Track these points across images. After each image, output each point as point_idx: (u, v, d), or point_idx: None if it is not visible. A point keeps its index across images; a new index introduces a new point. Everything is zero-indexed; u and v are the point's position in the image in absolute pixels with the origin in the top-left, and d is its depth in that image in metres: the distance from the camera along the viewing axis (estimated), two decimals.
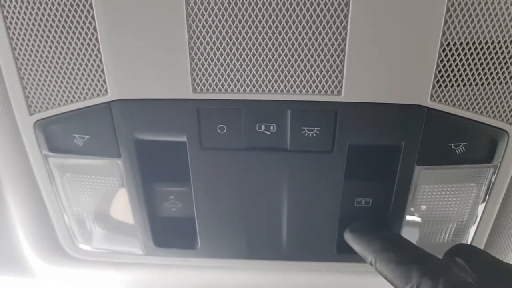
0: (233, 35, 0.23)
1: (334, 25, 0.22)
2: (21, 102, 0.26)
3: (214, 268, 0.33)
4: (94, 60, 0.24)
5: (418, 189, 0.28)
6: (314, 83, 0.24)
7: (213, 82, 0.24)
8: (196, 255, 0.32)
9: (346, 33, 0.23)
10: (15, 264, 0.36)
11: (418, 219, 0.30)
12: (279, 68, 0.24)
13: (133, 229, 0.31)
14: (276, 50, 0.23)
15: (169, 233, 0.31)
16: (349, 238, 0.28)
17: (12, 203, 0.32)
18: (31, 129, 0.27)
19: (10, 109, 0.27)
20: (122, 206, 0.30)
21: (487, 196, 0.28)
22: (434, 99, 0.24)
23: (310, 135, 0.26)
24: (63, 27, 0.23)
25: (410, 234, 0.30)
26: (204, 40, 0.23)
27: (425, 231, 0.30)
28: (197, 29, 0.23)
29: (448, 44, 0.23)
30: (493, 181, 0.28)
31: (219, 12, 0.22)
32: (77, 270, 0.34)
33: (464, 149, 0.26)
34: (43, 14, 0.23)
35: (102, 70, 0.24)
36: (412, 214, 0.29)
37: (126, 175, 0.28)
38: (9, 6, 0.23)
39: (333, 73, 0.24)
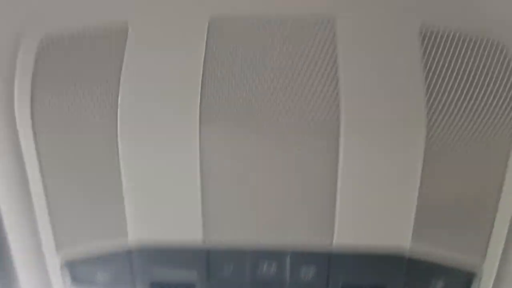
0: (241, 199, 0.27)
1: (325, 185, 0.27)
2: (50, 243, 0.30)
3: None
4: (118, 209, 0.28)
5: None
6: (308, 237, 0.28)
7: (222, 235, 0.28)
8: None
9: (336, 193, 0.27)
10: None
11: None
12: (278, 222, 0.28)
13: None
14: (276, 208, 0.27)
15: None
16: None
17: None
18: (58, 267, 0.31)
19: (39, 248, 0.31)
20: None
21: None
22: (413, 251, 0.28)
23: (307, 277, 0.29)
24: (93, 188, 0.28)
25: None
26: (216, 196, 0.27)
27: None
28: (209, 188, 0.27)
29: (423, 206, 0.27)
30: None
31: (231, 177, 0.27)
32: None
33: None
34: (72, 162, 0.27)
35: (125, 219, 0.28)
36: None
37: None
38: (44, 167, 0.27)
39: (325, 228, 0.28)
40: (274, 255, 0.29)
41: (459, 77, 0.25)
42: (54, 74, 0.26)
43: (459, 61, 0.25)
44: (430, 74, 0.25)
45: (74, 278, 0.31)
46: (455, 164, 0.26)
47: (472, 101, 0.25)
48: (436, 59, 0.25)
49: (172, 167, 0.27)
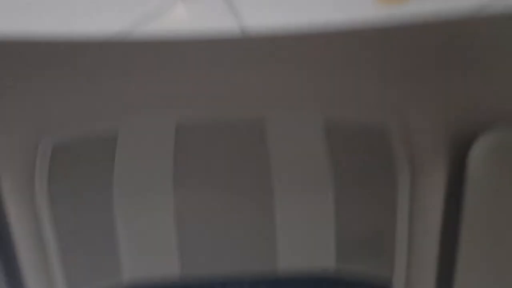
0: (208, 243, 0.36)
1: (266, 234, 0.36)
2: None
3: None
4: (114, 265, 0.36)
5: None
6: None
7: (195, 269, 0.36)
8: None
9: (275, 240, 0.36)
10: None
11: None
12: (236, 256, 0.36)
13: None
14: (233, 245, 0.36)
15: None
16: None
17: None
18: None
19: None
20: None
21: None
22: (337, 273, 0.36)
23: None
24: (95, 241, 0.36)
25: None
26: (189, 241, 0.35)
27: None
28: (184, 236, 0.36)
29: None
30: None
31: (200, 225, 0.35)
32: None
33: None
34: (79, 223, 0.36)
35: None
36: None
37: None
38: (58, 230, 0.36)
39: (268, 256, 0.36)
40: (235, 281, 0.38)
41: None
42: (65, 173, 0.35)
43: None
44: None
45: None
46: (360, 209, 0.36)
47: None
48: None
49: (155, 223, 0.36)
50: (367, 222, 0.36)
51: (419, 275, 0.38)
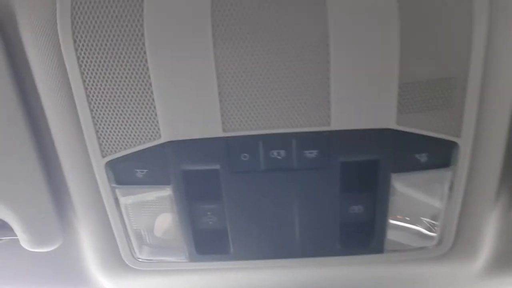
0: (253, 88, 0.32)
1: (320, 74, 0.32)
2: (95, 147, 0.36)
3: (245, 269, 0.41)
4: (151, 113, 0.34)
5: (396, 193, 0.37)
6: (310, 119, 0.33)
7: (238, 122, 0.34)
8: (229, 259, 0.40)
9: (329, 81, 0.32)
10: (81, 278, 0.45)
11: (399, 218, 0.39)
12: (285, 108, 0.33)
13: (179, 241, 0.40)
14: (282, 96, 0.33)
15: (208, 242, 0.40)
16: None
17: (82, 227, 0.41)
18: (103, 168, 0.37)
19: (86, 152, 0.36)
20: (171, 223, 0.39)
21: (450, 195, 0.37)
22: (399, 123, 0.33)
23: (311, 156, 0.35)
24: (128, 88, 0.33)
25: (394, 234, 0.39)
26: (231, 91, 0.33)
27: (406, 229, 0.39)
28: (225, 86, 0.32)
29: (405, 84, 0.32)
30: (453, 181, 0.37)
31: (243, 70, 0.32)
32: (137, 280, 0.43)
33: (426, 158, 0.35)
34: (112, 75, 0.33)
35: (157, 120, 0.34)
36: (394, 214, 0.38)
37: (174, 198, 0.37)
38: (86, 69, 0.33)
39: (323, 110, 0.33)
40: (282, 140, 0.35)
41: None
42: (89, 14, 0.32)
43: None
44: None
45: (117, 178, 0.37)
46: (428, 42, 0.31)
47: None
48: None
49: (193, 73, 0.32)
50: (436, 66, 0.31)
51: (489, 134, 0.35)
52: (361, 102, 0.33)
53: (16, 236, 0.41)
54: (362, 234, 0.39)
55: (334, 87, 0.32)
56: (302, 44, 0.31)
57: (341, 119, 0.33)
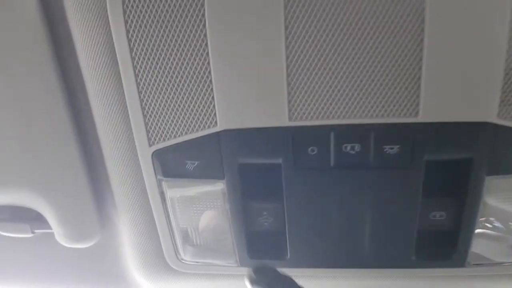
0: (325, 71, 0.28)
1: (410, 57, 0.27)
2: (142, 135, 0.32)
3: (301, 277, 0.37)
4: (207, 97, 0.29)
5: (488, 199, 0.31)
6: (394, 107, 0.28)
7: (306, 111, 0.29)
8: (285, 265, 0.35)
9: (421, 64, 0.27)
10: (118, 278, 0.41)
11: (489, 228, 0.33)
12: (362, 95, 0.28)
13: (229, 242, 0.35)
14: (360, 79, 0.28)
15: (262, 246, 0.35)
16: (252, 280, 0.33)
17: (122, 222, 0.38)
18: (149, 158, 0.32)
19: (132, 141, 0.32)
20: (222, 222, 0.35)
21: None
22: (501, 116, 0.28)
23: (391, 153, 0.30)
24: (184, 70, 0.29)
25: (480, 246, 0.33)
26: (300, 76, 0.28)
27: (495, 241, 0.33)
28: (294, 68, 0.28)
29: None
30: None
31: (315, 51, 0.27)
32: (179, 283, 0.38)
33: None
34: (165, 61, 0.29)
35: (214, 106, 0.29)
36: (482, 224, 0.32)
37: (228, 194, 0.33)
38: (135, 54, 0.29)
39: (411, 98, 0.28)
40: (358, 132, 0.29)
41: None
42: None
43: None
44: None
45: (164, 169, 0.33)
46: None
47: None
48: None
49: (259, 51, 0.27)
50: None
51: None
52: (458, 89, 0.27)
53: (51, 229, 0.37)
54: (443, 244, 0.34)
55: (426, 70, 0.27)
56: (390, 16, 0.26)
57: (432, 109, 0.28)
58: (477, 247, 0.34)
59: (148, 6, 0.28)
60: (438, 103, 0.28)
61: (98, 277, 0.42)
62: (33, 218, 0.38)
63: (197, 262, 0.37)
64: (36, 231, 0.38)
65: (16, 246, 0.42)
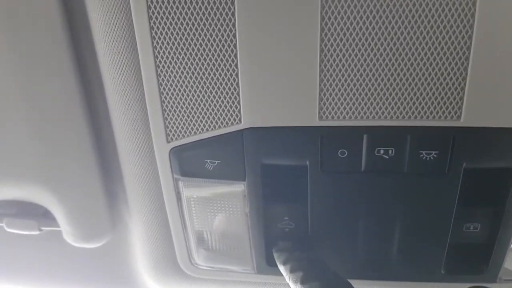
0: (360, 68, 0.26)
1: (456, 54, 0.25)
2: (160, 130, 0.30)
3: None
4: (232, 92, 0.27)
5: None
6: (434, 109, 0.26)
7: (338, 110, 0.27)
8: None
9: (468, 62, 0.25)
10: (127, 280, 0.39)
11: None
12: (401, 94, 0.26)
13: (247, 248, 0.33)
14: (398, 77, 0.26)
15: None
16: (275, 256, 0.32)
17: (134, 223, 0.36)
18: (167, 155, 0.30)
19: (148, 136, 0.31)
20: (240, 226, 0.33)
21: None
22: None
23: (428, 158, 0.28)
24: (209, 62, 0.27)
25: None
26: (334, 72, 0.26)
27: None
28: (328, 63, 0.26)
29: None
30: None
31: (350, 48, 0.25)
32: None
33: None
34: (188, 50, 0.27)
35: (238, 101, 0.27)
36: None
37: (249, 196, 0.31)
38: (157, 42, 0.27)
39: (454, 100, 0.26)
40: (393, 135, 0.27)
41: None
42: None
43: None
44: None
45: (182, 168, 0.31)
46: None
47: None
48: None
49: (290, 45, 0.26)
50: None
51: None
52: (505, 93, 0.25)
53: (59, 227, 0.36)
54: (474, 258, 0.32)
55: (473, 70, 0.25)
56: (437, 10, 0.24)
57: (476, 113, 0.26)
58: (510, 262, 0.31)
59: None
60: (483, 107, 0.26)
61: (105, 278, 0.40)
62: (41, 215, 0.36)
63: (211, 267, 0.35)
64: (43, 228, 0.36)
65: (22, 243, 0.40)
